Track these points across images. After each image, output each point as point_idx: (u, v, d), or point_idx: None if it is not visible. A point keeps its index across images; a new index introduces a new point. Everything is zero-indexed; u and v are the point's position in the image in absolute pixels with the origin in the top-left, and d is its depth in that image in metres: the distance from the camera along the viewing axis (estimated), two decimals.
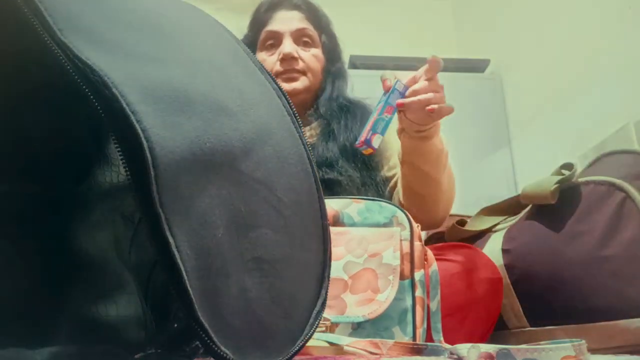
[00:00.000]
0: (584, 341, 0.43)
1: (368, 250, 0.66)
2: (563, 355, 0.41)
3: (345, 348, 0.55)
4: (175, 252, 0.26)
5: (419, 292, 0.64)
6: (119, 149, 0.27)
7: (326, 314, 0.61)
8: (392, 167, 1.01)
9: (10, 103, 0.41)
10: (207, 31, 0.41)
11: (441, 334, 0.64)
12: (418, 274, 0.65)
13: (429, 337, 0.65)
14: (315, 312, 0.37)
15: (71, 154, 0.47)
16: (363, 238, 0.67)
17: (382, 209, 0.69)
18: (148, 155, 0.26)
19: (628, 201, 0.65)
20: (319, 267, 0.39)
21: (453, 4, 3.10)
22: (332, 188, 0.91)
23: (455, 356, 0.48)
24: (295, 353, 0.34)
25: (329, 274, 0.39)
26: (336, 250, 0.66)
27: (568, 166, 0.76)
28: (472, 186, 2.24)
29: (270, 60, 1.03)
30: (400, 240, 0.66)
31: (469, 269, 0.71)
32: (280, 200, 0.35)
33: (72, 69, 0.28)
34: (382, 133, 0.78)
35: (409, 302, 0.64)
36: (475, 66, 2.62)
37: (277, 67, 1.01)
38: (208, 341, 0.27)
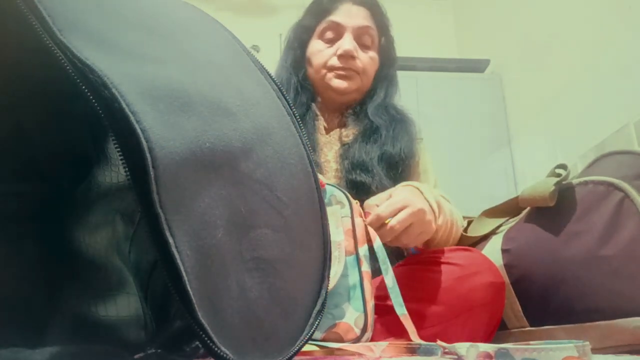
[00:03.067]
0: (587, 342, 0.43)
1: None
2: (565, 355, 0.41)
3: (337, 352, 0.55)
4: (175, 252, 0.26)
5: (364, 267, 0.65)
6: (118, 149, 0.27)
7: None
8: None
9: (9, 103, 0.41)
10: (207, 31, 0.41)
11: (404, 307, 0.64)
12: (362, 250, 0.66)
13: (386, 312, 0.65)
14: (315, 312, 0.37)
15: (71, 154, 0.47)
16: None
17: None
18: (148, 155, 0.26)
19: (627, 201, 0.65)
20: (319, 267, 0.39)
21: (453, 4, 3.10)
22: (362, 192, 0.88)
23: (454, 355, 0.47)
24: (295, 353, 0.34)
25: (329, 274, 0.39)
26: None
27: (562, 166, 0.76)
28: (472, 186, 2.25)
29: (327, 52, 1.00)
30: (341, 217, 0.66)
31: (471, 273, 0.71)
32: (280, 200, 0.35)
33: (71, 69, 0.28)
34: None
35: (355, 277, 0.64)
36: (475, 66, 2.62)
37: (334, 61, 0.99)
38: (208, 341, 0.27)
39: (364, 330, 0.62)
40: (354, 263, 0.65)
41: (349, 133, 0.99)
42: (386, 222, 0.69)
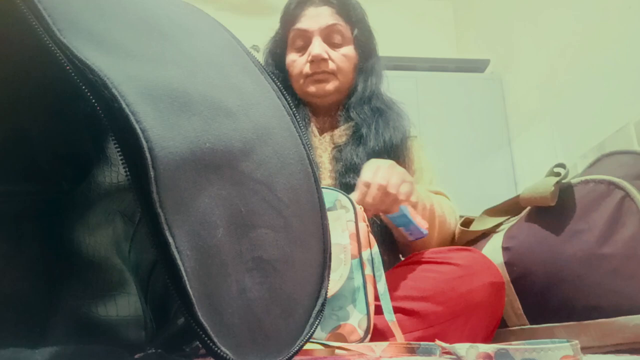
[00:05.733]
0: (577, 341, 0.43)
1: None
2: (562, 355, 0.41)
3: (337, 351, 0.55)
4: (175, 253, 0.26)
5: (368, 271, 0.66)
6: (118, 149, 0.27)
7: None
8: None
9: (9, 103, 0.41)
10: (207, 31, 0.41)
11: (393, 315, 0.65)
12: (365, 253, 0.67)
13: (381, 319, 0.66)
14: (315, 312, 0.37)
15: (71, 154, 0.47)
16: None
17: (325, 194, 0.71)
18: (148, 155, 0.26)
19: (627, 200, 0.65)
20: (318, 267, 0.39)
21: (453, 4, 3.10)
22: None
23: (453, 355, 0.47)
24: (295, 353, 0.34)
25: (329, 274, 0.39)
26: None
27: (561, 165, 0.76)
28: (472, 186, 2.25)
29: (300, 61, 1.00)
30: (346, 221, 0.68)
31: (471, 273, 0.71)
32: (280, 200, 0.35)
33: (72, 70, 0.28)
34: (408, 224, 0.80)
35: (359, 280, 0.65)
36: (475, 66, 2.62)
37: (307, 69, 0.99)
38: (208, 341, 0.27)
39: (367, 332, 0.63)
40: (358, 266, 0.66)
41: (341, 134, 0.99)
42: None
